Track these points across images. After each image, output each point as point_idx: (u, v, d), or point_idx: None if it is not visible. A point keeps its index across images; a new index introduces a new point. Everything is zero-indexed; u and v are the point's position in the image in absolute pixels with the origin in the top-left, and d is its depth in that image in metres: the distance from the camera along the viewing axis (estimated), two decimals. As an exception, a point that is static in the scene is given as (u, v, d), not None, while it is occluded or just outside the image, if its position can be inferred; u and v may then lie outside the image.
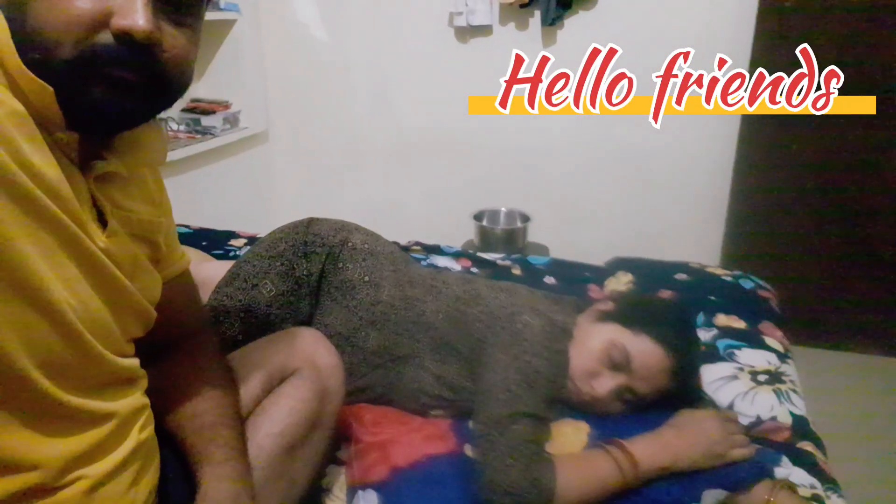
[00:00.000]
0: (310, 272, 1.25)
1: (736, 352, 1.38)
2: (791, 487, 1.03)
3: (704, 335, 1.45)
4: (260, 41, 2.87)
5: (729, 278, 1.71)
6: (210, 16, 2.58)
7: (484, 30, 2.65)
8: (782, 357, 1.39)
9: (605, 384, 1.08)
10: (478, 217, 2.44)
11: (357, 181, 3.00)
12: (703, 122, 2.53)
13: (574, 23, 2.55)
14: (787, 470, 1.07)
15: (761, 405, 1.24)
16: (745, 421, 1.21)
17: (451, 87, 2.75)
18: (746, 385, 1.28)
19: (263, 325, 1.18)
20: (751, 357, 1.37)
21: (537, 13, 2.55)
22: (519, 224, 2.43)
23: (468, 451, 1.04)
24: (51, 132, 0.64)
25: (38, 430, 0.64)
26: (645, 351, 1.07)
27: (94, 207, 0.72)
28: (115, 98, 0.64)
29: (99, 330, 0.69)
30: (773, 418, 1.22)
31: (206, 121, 2.66)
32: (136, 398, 0.76)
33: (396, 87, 2.84)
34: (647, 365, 1.07)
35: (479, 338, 1.13)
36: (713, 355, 1.38)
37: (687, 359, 1.09)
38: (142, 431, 0.77)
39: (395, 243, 1.64)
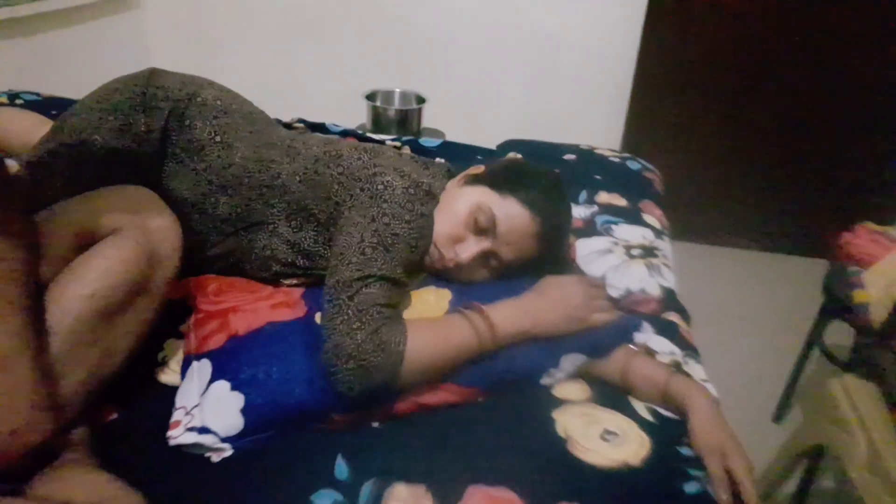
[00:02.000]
0: (150, 129, 1.09)
1: (613, 227, 1.35)
2: (649, 353, 1.02)
3: (584, 211, 1.41)
4: None
5: (616, 159, 1.68)
6: None
7: None
8: (658, 233, 1.38)
9: (470, 249, 1.02)
10: (370, 97, 2.28)
11: (242, 55, 2.74)
12: (611, 4, 2.45)
13: None
14: (646, 335, 1.06)
15: (632, 278, 1.22)
16: (614, 293, 1.19)
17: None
18: (620, 258, 1.26)
19: (93, 188, 1.03)
20: (627, 232, 1.34)
21: None
22: (414, 105, 2.29)
23: (318, 318, 0.95)
24: None
25: None
26: (511, 214, 1.01)
27: None
28: None
29: None
30: (643, 290, 1.20)
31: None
32: None
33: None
34: (513, 229, 1.01)
35: (337, 201, 1.03)
36: (590, 230, 1.35)
37: (555, 224, 1.03)
38: None
39: (277, 120, 1.49)
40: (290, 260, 1.06)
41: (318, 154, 1.09)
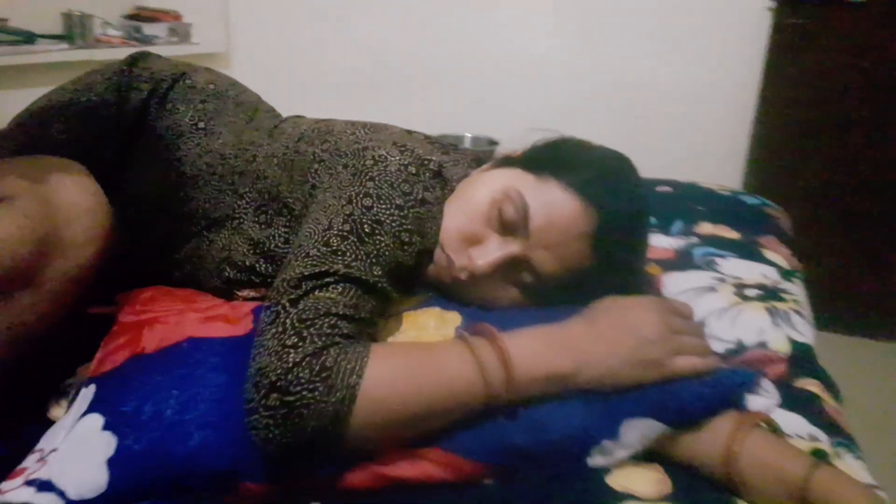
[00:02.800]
0: (121, 111, 0.89)
1: (718, 260, 0.98)
2: (771, 426, 0.63)
3: (675, 242, 1.05)
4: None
5: (727, 193, 1.31)
6: None
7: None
8: (787, 274, 0.98)
9: (490, 253, 0.70)
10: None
11: (318, 105, 2.67)
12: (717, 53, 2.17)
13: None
14: (767, 403, 0.67)
15: (746, 326, 0.84)
16: (720, 347, 0.81)
17: (429, 5, 2.42)
18: (728, 300, 0.88)
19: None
20: (738, 267, 0.96)
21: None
22: (486, 149, 2.05)
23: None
24: None
25: None
26: (552, 204, 0.68)
27: None
28: None
29: None
30: (763, 344, 0.82)
31: (147, 29, 2.35)
32: None
33: (365, 5, 2.52)
34: (553, 225, 0.68)
35: (314, 183, 0.76)
36: (685, 262, 0.98)
37: (619, 220, 0.69)
38: None
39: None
40: (248, 263, 0.79)
41: (303, 131, 0.84)
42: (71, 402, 0.66)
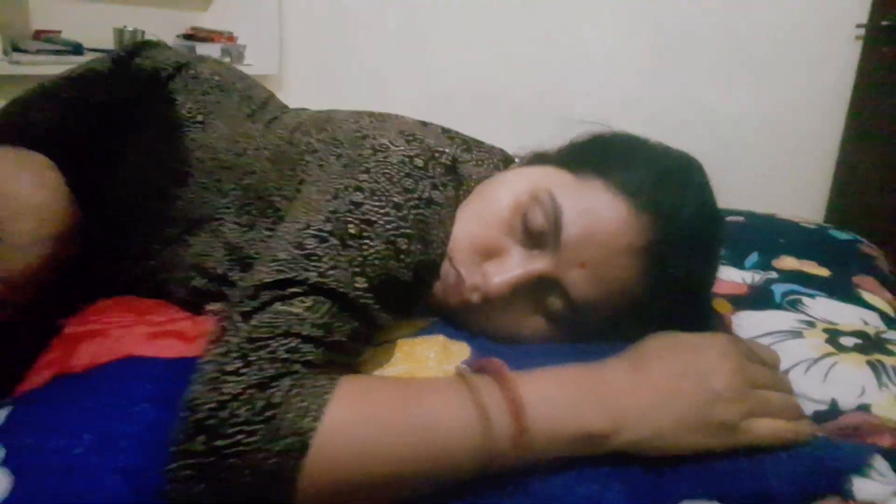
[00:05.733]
0: (113, 100, 0.80)
1: (804, 299, 0.80)
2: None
3: (752, 277, 0.88)
4: (278, -30, 2.55)
5: (811, 226, 1.12)
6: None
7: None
8: (891, 322, 0.79)
9: (509, 270, 0.55)
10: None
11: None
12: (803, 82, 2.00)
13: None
14: (886, 487, 0.49)
15: (843, 383, 0.65)
16: (807, 408, 0.63)
17: (489, 34, 2.36)
18: (818, 348, 0.70)
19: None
20: (830, 310, 0.78)
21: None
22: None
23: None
24: None
25: None
26: (592, 209, 0.53)
27: None
28: None
29: None
30: (865, 407, 0.62)
31: (201, 49, 2.34)
32: None
33: (427, 35, 2.47)
34: (593, 235, 0.53)
35: (304, 178, 0.63)
36: (762, 300, 0.80)
37: (682, 234, 0.53)
38: None
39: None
40: (220, 272, 0.66)
41: (303, 120, 0.72)
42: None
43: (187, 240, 0.71)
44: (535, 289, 0.55)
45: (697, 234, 0.55)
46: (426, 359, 0.54)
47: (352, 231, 0.51)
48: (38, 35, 1.93)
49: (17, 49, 1.81)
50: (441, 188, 0.58)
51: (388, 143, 0.58)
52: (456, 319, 0.59)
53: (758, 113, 2.12)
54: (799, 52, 2.08)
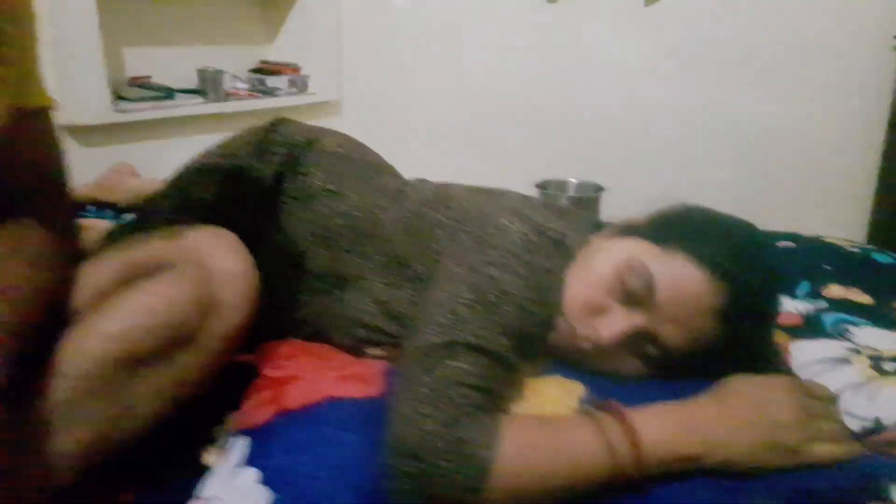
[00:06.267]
0: (261, 175, 0.98)
1: (851, 328, 0.94)
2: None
3: (805, 306, 1.01)
4: (337, 5, 2.71)
5: (856, 250, 1.24)
6: (285, -26, 2.47)
7: (572, -16, 2.32)
8: (928, 345, 0.92)
9: (615, 325, 0.71)
10: (542, 186, 2.07)
11: (425, 152, 2.75)
12: (839, 94, 2.04)
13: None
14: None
15: (886, 403, 0.79)
16: (855, 424, 0.77)
17: (530, 51, 2.45)
18: (863, 373, 0.84)
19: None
20: (875, 337, 0.92)
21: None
22: (591, 194, 2.04)
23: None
24: None
25: None
26: (679, 277, 0.69)
27: None
28: None
29: None
30: (904, 424, 0.77)
31: (270, 81, 2.53)
32: None
33: (472, 53, 2.60)
34: (680, 299, 0.68)
35: (438, 250, 0.80)
36: (814, 329, 0.94)
37: (749, 296, 0.69)
38: None
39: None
40: (376, 324, 0.84)
41: (426, 196, 0.89)
42: (222, 451, 0.72)
43: (337, 294, 0.88)
44: (633, 338, 0.71)
45: (761, 296, 0.71)
46: (550, 395, 0.71)
47: (492, 299, 0.68)
48: (134, 82, 2.14)
49: (118, 97, 2.02)
50: (552, 258, 0.74)
51: (506, 223, 0.74)
52: (569, 360, 0.75)
53: (796, 127, 2.13)
54: (833, 63, 2.07)
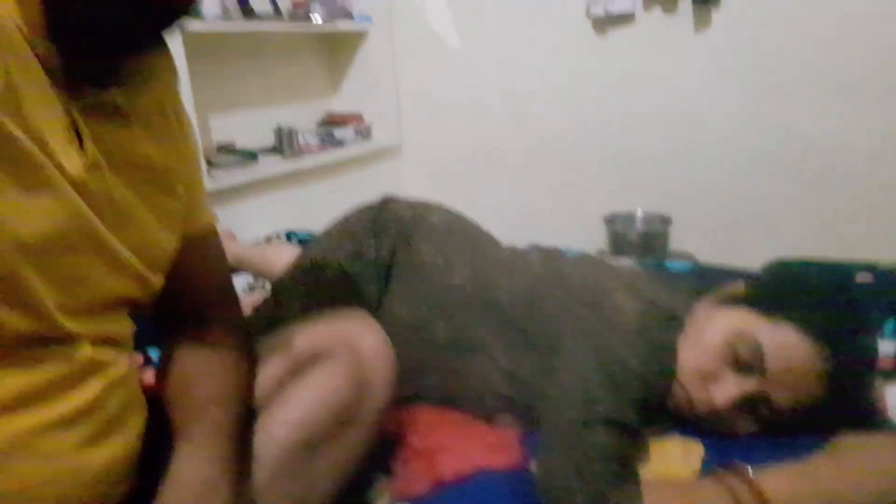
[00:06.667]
0: (379, 253, 1.10)
1: (942, 369, 0.99)
2: None
3: (892, 348, 1.07)
4: (393, 53, 2.86)
5: (936, 280, 1.29)
6: (343, 27, 2.62)
7: (625, 18, 2.40)
8: None
9: (728, 391, 0.79)
10: (610, 221, 2.15)
11: (487, 190, 2.85)
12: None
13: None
14: None
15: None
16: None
17: (588, 84, 2.51)
18: (959, 414, 0.90)
19: (323, 311, 1.05)
20: (966, 376, 0.97)
21: (687, -8, 2.23)
22: (659, 227, 2.11)
23: (533, 467, 0.80)
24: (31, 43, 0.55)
25: None
26: (785, 345, 0.77)
27: (77, 137, 0.62)
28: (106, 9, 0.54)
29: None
30: None
31: (338, 133, 2.68)
32: (93, 351, 0.64)
33: (530, 89, 2.66)
34: (788, 366, 0.77)
35: (557, 323, 0.90)
36: (905, 373, 1.00)
37: (849, 360, 0.77)
38: (108, 392, 0.64)
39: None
40: (504, 391, 0.94)
41: (539, 272, 0.99)
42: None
43: (462, 363, 0.99)
44: (746, 401, 0.80)
45: (862, 359, 0.79)
46: (673, 456, 0.80)
47: (619, 376, 0.77)
48: (220, 149, 2.31)
49: (209, 164, 2.18)
50: (665, 331, 0.83)
51: (621, 302, 0.84)
52: (685, 421, 0.84)
53: (862, 146, 2.06)
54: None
